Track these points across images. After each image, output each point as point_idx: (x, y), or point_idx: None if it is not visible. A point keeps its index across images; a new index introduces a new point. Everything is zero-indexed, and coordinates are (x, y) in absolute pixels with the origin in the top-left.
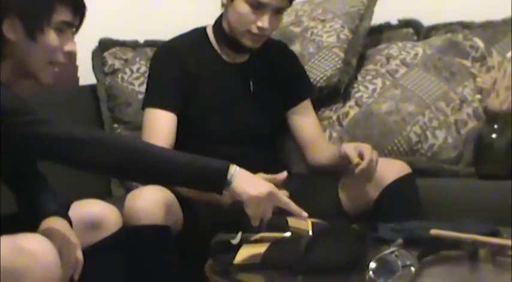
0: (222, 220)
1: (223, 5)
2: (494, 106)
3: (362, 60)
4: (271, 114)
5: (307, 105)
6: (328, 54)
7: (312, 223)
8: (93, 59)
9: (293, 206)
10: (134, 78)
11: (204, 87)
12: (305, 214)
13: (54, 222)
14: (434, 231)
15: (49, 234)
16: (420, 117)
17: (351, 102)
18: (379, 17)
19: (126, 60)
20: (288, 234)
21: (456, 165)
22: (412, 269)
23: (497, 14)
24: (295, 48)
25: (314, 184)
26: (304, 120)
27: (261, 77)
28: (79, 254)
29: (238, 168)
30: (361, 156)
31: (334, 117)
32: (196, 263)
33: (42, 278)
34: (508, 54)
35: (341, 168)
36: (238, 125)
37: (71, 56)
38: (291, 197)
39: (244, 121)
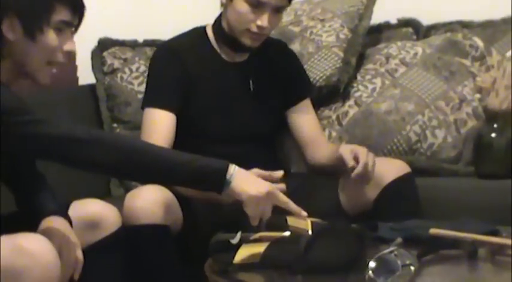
0: (221, 220)
1: (222, 4)
2: (493, 105)
3: (361, 59)
4: (270, 114)
5: (306, 104)
6: (327, 53)
7: (312, 222)
8: (92, 58)
9: (292, 206)
10: (133, 78)
11: (203, 86)
12: (304, 213)
13: (53, 222)
14: (433, 231)
15: (49, 234)
16: (420, 117)
17: (351, 102)
18: (378, 16)
19: (125, 60)
20: (287, 233)
21: (456, 164)
22: (412, 268)
23: (497, 13)
24: (295, 47)
25: (313, 184)
26: (304, 120)
27: (261, 76)
28: (79, 254)
29: (237, 167)
30: (356, 159)
31: (334, 117)
32: (195, 262)
33: (41, 278)
34: (508, 54)
35: (340, 168)
36: (238, 124)
37: (70, 55)
38: (290, 196)
39: (243, 120)
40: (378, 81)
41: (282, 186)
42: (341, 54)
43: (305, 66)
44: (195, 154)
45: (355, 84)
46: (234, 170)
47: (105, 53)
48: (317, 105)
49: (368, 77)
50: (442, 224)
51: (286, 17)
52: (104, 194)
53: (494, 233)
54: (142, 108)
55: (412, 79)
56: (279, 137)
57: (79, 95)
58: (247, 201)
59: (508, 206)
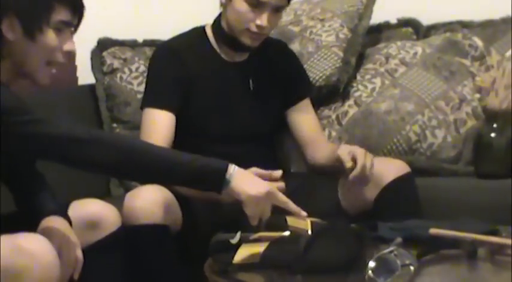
0: (221, 219)
1: (222, 4)
2: (493, 105)
3: (361, 59)
4: (270, 113)
5: (306, 104)
6: (327, 53)
7: (311, 222)
8: (92, 58)
9: (292, 206)
10: (133, 78)
11: (203, 86)
12: (304, 213)
13: (53, 222)
14: (433, 231)
15: (48, 234)
16: (419, 117)
17: (350, 102)
18: (378, 16)
19: (125, 60)
20: (287, 233)
21: (455, 164)
22: (411, 268)
23: (497, 13)
24: (294, 47)
25: (313, 183)
26: (304, 119)
27: (261, 76)
28: (79, 253)
29: (237, 167)
30: (354, 160)
31: (334, 117)
32: (195, 262)
33: (41, 278)
34: (507, 53)
35: (339, 168)
36: (238, 124)
37: (70, 55)
38: (290, 196)
39: (243, 120)
40: (378, 81)
41: (281, 184)
42: (341, 54)
43: (305, 66)
44: (194, 154)
45: (354, 84)
46: (233, 169)
47: (104, 53)
48: (317, 105)
49: (368, 76)
50: (442, 223)
51: (286, 16)
52: (104, 194)
53: (494, 233)
54: (142, 108)
55: (411, 79)
56: (278, 136)
57: (79, 95)
58: (246, 201)
59: (507, 205)
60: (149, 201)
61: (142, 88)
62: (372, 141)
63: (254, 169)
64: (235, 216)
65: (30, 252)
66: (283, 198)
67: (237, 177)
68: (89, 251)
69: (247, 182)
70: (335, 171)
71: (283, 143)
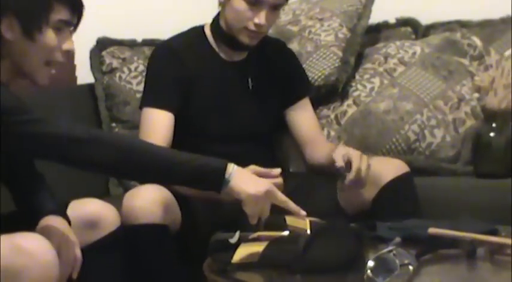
0: (220, 219)
1: (220, 3)
2: (492, 105)
3: (360, 59)
4: (269, 113)
5: (305, 103)
6: (326, 53)
7: (310, 222)
8: (91, 58)
9: (291, 205)
10: (132, 77)
11: (202, 85)
12: (303, 213)
13: (52, 221)
14: (432, 230)
15: (47, 233)
16: (418, 116)
17: (349, 101)
18: (377, 15)
19: (124, 59)
20: (286, 233)
21: (454, 163)
22: (410, 267)
23: (495, 13)
24: (293, 47)
25: (312, 183)
26: (303, 119)
27: (260, 75)
28: (77, 252)
29: (236, 166)
30: (350, 163)
31: (332, 116)
32: (194, 262)
33: (40, 277)
34: (506, 53)
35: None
36: (237, 123)
37: (69, 55)
38: (289, 195)
39: (242, 119)
40: (377, 80)
41: (279, 180)
42: (340, 53)
43: (304, 66)
44: (193, 153)
45: (353, 84)
46: (232, 169)
47: (103, 53)
48: (316, 105)
49: (366, 76)
50: (441, 223)
51: (285, 16)
52: (103, 194)
53: (493, 233)
54: (141, 108)
55: (410, 78)
56: (277, 136)
57: (78, 94)
58: (246, 200)
59: (506, 205)
60: (148, 200)
61: (141, 87)
62: (370, 140)
63: (252, 167)
64: (234, 216)
65: (30, 252)
66: (282, 197)
67: (236, 176)
68: (88, 250)
69: (247, 181)
70: (334, 171)
71: (282, 143)
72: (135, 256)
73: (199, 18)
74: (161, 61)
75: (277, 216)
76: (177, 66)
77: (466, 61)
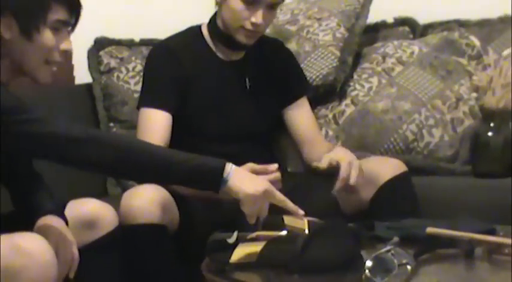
0: (218, 219)
1: (217, 3)
2: (490, 104)
3: (358, 58)
4: (267, 112)
5: (303, 102)
6: (324, 52)
7: (308, 222)
8: (88, 58)
9: (290, 204)
10: (130, 77)
11: (200, 85)
12: (302, 212)
13: (50, 221)
14: (430, 230)
15: (45, 232)
16: (416, 116)
17: (347, 101)
18: (375, 15)
19: (121, 59)
20: (284, 232)
21: (452, 163)
22: (408, 267)
23: (494, 12)
24: (291, 46)
25: (310, 183)
26: (301, 118)
27: (257, 75)
28: (75, 252)
29: (234, 166)
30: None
31: (330, 116)
32: (192, 262)
33: (39, 277)
34: (504, 52)
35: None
36: (235, 123)
37: (67, 54)
38: (287, 195)
39: (240, 119)
40: (375, 80)
41: (277, 174)
42: (338, 53)
43: (302, 66)
44: (191, 153)
45: (351, 83)
46: (230, 168)
47: (101, 52)
48: (314, 104)
49: (365, 76)
50: (439, 223)
51: (283, 16)
52: (101, 193)
53: (491, 232)
54: (138, 108)
55: (408, 78)
56: (275, 136)
57: (75, 94)
58: (244, 200)
59: (504, 204)
60: (146, 200)
61: (139, 87)
62: (368, 140)
63: (250, 165)
64: (232, 216)
65: (28, 252)
66: (280, 196)
67: (235, 175)
68: (85, 250)
69: (245, 181)
70: (331, 170)
71: (280, 143)
72: (133, 256)
73: (197, 18)
74: (158, 61)
75: (275, 216)
76: (174, 66)
77: (464, 61)
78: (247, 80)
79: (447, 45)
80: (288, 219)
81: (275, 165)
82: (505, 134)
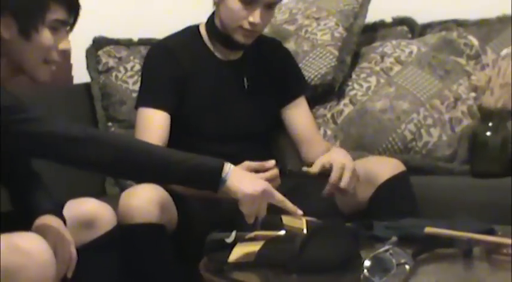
0: (216, 219)
1: (215, 2)
2: (488, 104)
3: (356, 58)
4: (265, 112)
5: (301, 102)
6: (322, 52)
7: (307, 221)
8: (87, 57)
9: (288, 204)
10: (128, 77)
11: (198, 85)
12: (300, 212)
13: (48, 220)
14: (429, 229)
15: (43, 232)
16: (415, 115)
17: (346, 100)
18: (373, 14)
19: (120, 59)
20: (282, 232)
21: (451, 163)
22: (407, 267)
23: (492, 12)
24: (290, 46)
25: (309, 182)
26: (299, 118)
27: (255, 74)
28: (73, 251)
29: (232, 166)
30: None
31: (329, 115)
32: (190, 261)
33: (37, 277)
34: (503, 52)
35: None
36: (233, 122)
37: (66, 54)
38: (285, 195)
39: (238, 119)
40: (373, 79)
41: (275, 171)
42: (336, 52)
43: (300, 65)
44: (190, 153)
45: (350, 83)
46: (229, 168)
47: (100, 52)
48: (312, 104)
49: (363, 75)
50: (438, 222)
51: (281, 15)
52: (99, 193)
53: (490, 232)
54: (136, 108)
55: (407, 78)
56: (274, 135)
57: (74, 93)
58: (242, 200)
59: (503, 204)
60: (145, 200)
61: (137, 87)
62: (367, 139)
63: (246, 163)
64: (230, 216)
65: (27, 251)
66: (279, 196)
67: (233, 175)
68: (84, 250)
69: (243, 181)
70: (328, 171)
71: (279, 142)
72: (131, 256)
73: (196, 18)
74: (156, 61)
75: (273, 215)
76: (172, 65)
77: (462, 60)
78: (245, 79)
79: (445, 45)
80: (286, 219)
81: (272, 162)
82: (503, 133)
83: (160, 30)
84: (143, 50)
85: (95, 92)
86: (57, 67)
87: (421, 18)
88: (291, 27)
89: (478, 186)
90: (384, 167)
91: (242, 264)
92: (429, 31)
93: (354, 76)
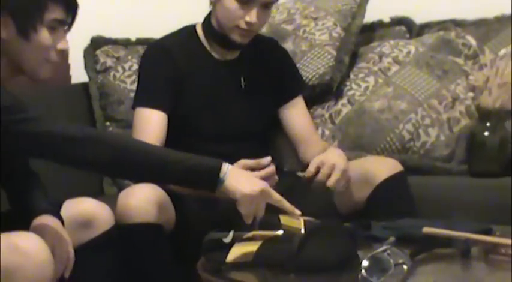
0: (214, 218)
1: (211, 2)
2: (486, 104)
3: (354, 58)
4: (263, 111)
5: (299, 101)
6: (320, 52)
7: (305, 221)
8: (85, 57)
9: (286, 204)
10: (126, 76)
11: (194, 85)
12: (298, 212)
13: (45, 220)
14: (426, 230)
15: (41, 232)
16: (413, 115)
17: (344, 100)
18: (371, 14)
19: (118, 58)
20: (280, 232)
21: (449, 163)
22: (405, 267)
23: (490, 12)
24: (288, 46)
25: (306, 182)
26: (296, 117)
27: (252, 74)
28: (70, 251)
29: (230, 166)
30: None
31: (327, 115)
32: (188, 261)
33: (35, 276)
34: (501, 52)
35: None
36: (230, 122)
37: (63, 54)
38: (283, 195)
39: (236, 118)
40: (371, 79)
41: (271, 169)
42: (334, 52)
43: (298, 65)
44: (187, 152)
45: (348, 83)
46: (227, 168)
47: (97, 52)
48: (310, 104)
49: (361, 75)
50: (435, 222)
51: (279, 15)
52: (97, 193)
53: (488, 232)
54: (133, 108)
55: (405, 78)
56: (271, 135)
57: (72, 93)
58: (240, 200)
59: (501, 204)
60: (143, 200)
61: (135, 87)
62: (365, 139)
63: (242, 161)
64: (228, 215)
65: (25, 251)
66: (277, 196)
67: (231, 175)
68: (81, 249)
69: (242, 181)
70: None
71: (276, 142)
72: (129, 255)
73: (194, 18)
74: (153, 61)
75: (271, 215)
76: (169, 65)
77: (460, 60)
78: (242, 79)
79: (443, 45)
80: (284, 219)
81: (268, 158)
82: (501, 133)
83: (158, 29)
84: (141, 49)
85: (93, 91)
86: (55, 67)
87: (419, 18)
88: (289, 27)
89: (476, 186)
90: (381, 167)
91: (240, 264)
92: (427, 31)
93: (352, 76)
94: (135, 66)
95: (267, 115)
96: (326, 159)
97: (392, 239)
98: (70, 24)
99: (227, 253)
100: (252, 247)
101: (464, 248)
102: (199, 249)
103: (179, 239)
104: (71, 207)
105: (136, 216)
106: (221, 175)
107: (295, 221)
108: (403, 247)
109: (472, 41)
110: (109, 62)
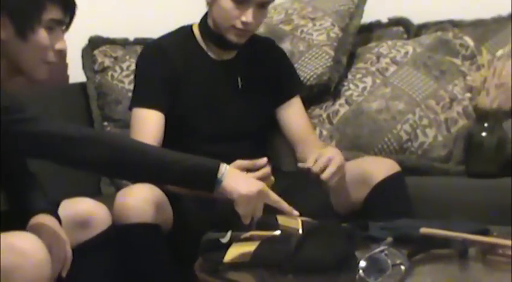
0: (212, 219)
1: (208, 2)
2: (484, 104)
3: (352, 58)
4: (260, 112)
5: (296, 102)
6: (318, 52)
7: (302, 222)
8: (83, 56)
9: (284, 204)
10: (124, 76)
11: (191, 85)
12: (296, 212)
13: (43, 219)
14: (424, 230)
15: (38, 231)
16: (410, 116)
17: (341, 101)
18: (369, 15)
19: (116, 58)
20: (277, 232)
21: (446, 163)
22: (402, 267)
23: (488, 13)
24: (285, 46)
25: (304, 183)
26: (294, 117)
27: (249, 74)
28: (68, 251)
29: (228, 166)
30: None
31: (324, 116)
32: (186, 261)
33: (32, 276)
34: (498, 53)
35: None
36: (227, 122)
37: (62, 54)
38: (280, 195)
39: (233, 119)
40: (369, 80)
41: (267, 169)
42: (332, 53)
43: (296, 65)
44: (185, 153)
45: (345, 83)
46: (225, 169)
47: (95, 51)
48: (308, 104)
49: (359, 75)
50: (433, 223)
51: (277, 15)
52: (95, 193)
53: (485, 233)
54: (130, 108)
55: (402, 78)
56: (269, 135)
57: (69, 93)
58: (238, 200)
59: (498, 204)
60: (140, 200)
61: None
62: (362, 140)
63: (237, 162)
64: (226, 216)
65: (22, 251)
66: (275, 197)
67: (229, 176)
68: (79, 249)
69: (239, 181)
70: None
71: (274, 142)
72: (127, 255)
73: (191, 18)
74: (150, 61)
75: (268, 216)
76: (166, 65)
77: (458, 61)
78: (239, 79)
79: (441, 46)
80: (281, 219)
81: (264, 160)
82: (498, 134)
83: (156, 29)
84: (139, 49)
85: (91, 91)
86: (52, 67)
87: (416, 19)
88: (287, 28)
89: (473, 187)
90: (379, 168)
91: (237, 265)
92: (425, 31)
93: (349, 76)
94: (133, 66)
95: (264, 115)
96: (323, 153)
97: (389, 239)
98: (68, 24)
99: (225, 253)
100: (250, 247)
101: (462, 248)
102: (196, 249)
103: (177, 239)
104: (69, 207)
105: (134, 216)
106: (219, 175)
107: (293, 221)
108: (401, 247)
109: (470, 41)
110: (107, 62)
